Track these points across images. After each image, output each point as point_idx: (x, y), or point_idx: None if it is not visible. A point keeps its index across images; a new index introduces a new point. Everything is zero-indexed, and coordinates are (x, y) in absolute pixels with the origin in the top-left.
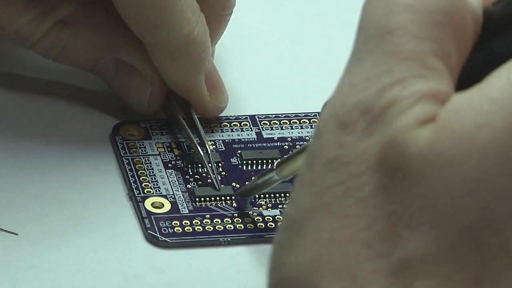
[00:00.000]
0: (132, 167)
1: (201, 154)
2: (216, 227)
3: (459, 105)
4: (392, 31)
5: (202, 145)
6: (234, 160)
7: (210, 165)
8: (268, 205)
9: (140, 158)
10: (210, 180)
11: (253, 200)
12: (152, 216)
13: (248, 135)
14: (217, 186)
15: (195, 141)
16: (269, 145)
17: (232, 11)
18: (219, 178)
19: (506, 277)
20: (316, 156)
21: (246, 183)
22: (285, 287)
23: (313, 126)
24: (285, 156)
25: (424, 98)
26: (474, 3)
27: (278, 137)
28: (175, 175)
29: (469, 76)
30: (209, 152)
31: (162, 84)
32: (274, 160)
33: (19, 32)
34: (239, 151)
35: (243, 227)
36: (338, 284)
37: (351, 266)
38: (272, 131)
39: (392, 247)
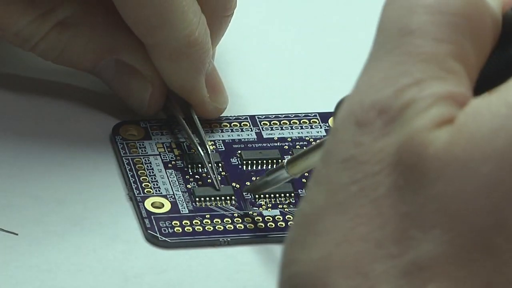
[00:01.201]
0: (132, 167)
1: (201, 154)
2: (216, 227)
3: (477, 108)
4: (412, 32)
5: (202, 145)
6: (234, 160)
7: (210, 165)
8: (268, 205)
9: (140, 158)
10: (210, 180)
11: (253, 200)
12: (152, 216)
13: (248, 135)
14: (217, 186)
15: (195, 141)
16: (269, 145)
17: (233, 13)
18: (219, 178)
19: None
20: (331, 154)
21: (254, 179)
22: (296, 283)
23: (313, 126)
24: (295, 154)
25: (442, 100)
26: (494, 7)
27: (278, 137)
28: (175, 175)
29: (486, 81)
30: (209, 152)
31: (162, 85)
32: (274, 160)
33: (19, 34)
34: (239, 151)
35: (243, 227)
36: (349, 283)
37: (363, 265)
38: (272, 131)
39: (404, 248)
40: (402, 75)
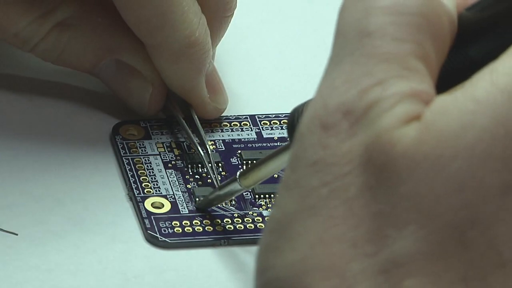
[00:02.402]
0: (132, 167)
1: (201, 154)
2: (216, 227)
3: (444, 105)
4: (370, 33)
5: (202, 145)
6: (234, 160)
7: (210, 165)
8: (268, 205)
9: (140, 158)
10: (210, 180)
11: (253, 200)
12: (152, 216)
13: (248, 135)
14: (217, 186)
15: (195, 141)
16: (269, 145)
17: (233, 13)
18: (219, 178)
19: (494, 276)
20: (299, 159)
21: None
22: None
23: None
24: (247, 166)
25: (406, 98)
26: (449, 7)
27: (278, 137)
28: (175, 175)
29: (445, 80)
30: (209, 152)
31: (162, 85)
32: None
33: (19, 35)
34: (239, 151)
35: (243, 227)
36: (327, 284)
37: (340, 266)
38: (272, 131)
39: (380, 246)
40: (365, 76)
